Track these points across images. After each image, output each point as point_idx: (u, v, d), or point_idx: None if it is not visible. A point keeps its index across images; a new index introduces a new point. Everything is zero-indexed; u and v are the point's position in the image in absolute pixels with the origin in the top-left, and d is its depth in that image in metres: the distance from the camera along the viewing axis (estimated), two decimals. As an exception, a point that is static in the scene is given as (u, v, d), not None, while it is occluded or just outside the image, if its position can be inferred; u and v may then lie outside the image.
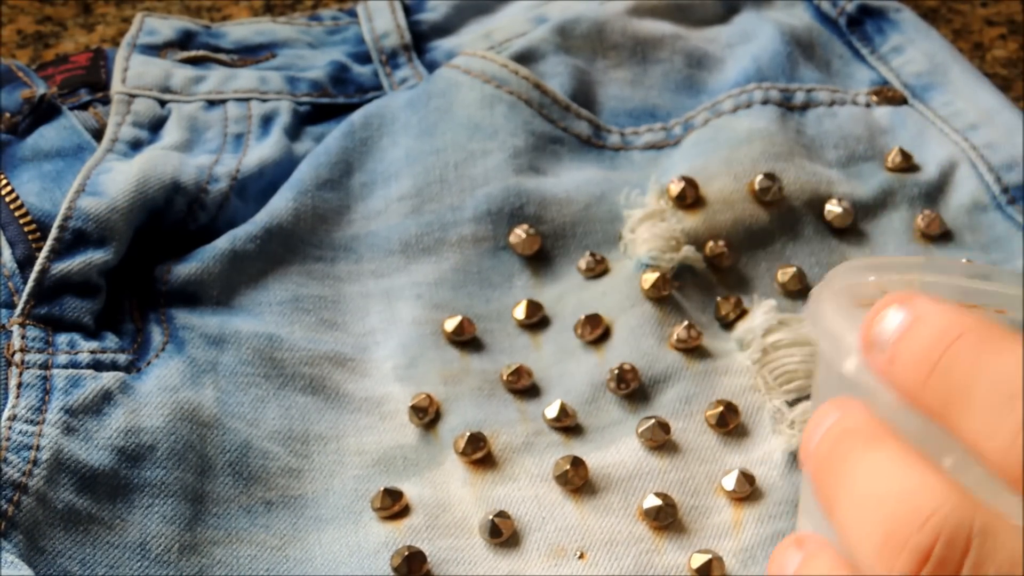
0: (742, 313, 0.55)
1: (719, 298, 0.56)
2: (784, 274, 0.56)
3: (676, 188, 0.57)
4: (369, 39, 0.66)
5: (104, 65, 0.63)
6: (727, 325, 0.55)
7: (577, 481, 0.50)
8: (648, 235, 0.56)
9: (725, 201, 0.58)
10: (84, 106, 0.61)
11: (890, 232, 0.58)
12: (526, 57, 0.63)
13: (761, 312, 0.54)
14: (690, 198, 0.57)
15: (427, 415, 0.52)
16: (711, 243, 0.57)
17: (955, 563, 0.30)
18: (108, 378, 0.51)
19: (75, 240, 0.54)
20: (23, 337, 0.52)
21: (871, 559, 0.31)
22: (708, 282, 0.57)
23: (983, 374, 0.31)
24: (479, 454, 0.51)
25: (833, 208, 0.58)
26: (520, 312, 0.56)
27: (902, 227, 0.58)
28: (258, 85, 0.62)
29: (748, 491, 0.50)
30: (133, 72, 0.62)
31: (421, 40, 0.67)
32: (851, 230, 0.58)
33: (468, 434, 0.51)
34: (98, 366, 0.52)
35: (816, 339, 0.37)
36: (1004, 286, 0.41)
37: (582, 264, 0.57)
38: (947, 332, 0.32)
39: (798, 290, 0.56)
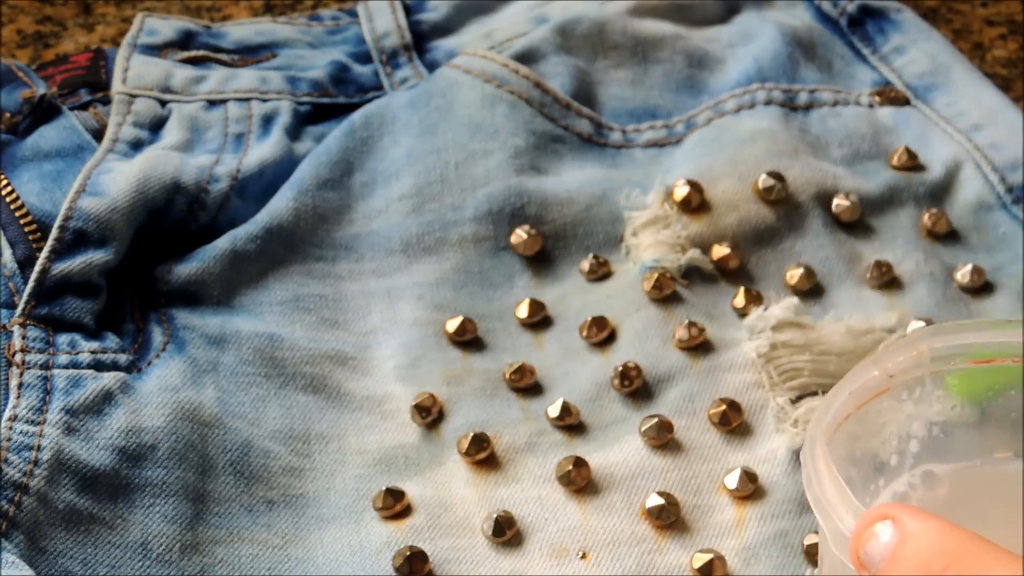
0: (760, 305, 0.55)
1: (742, 287, 0.56)
2: (793, 275, 0.56)
3: (681, 193, 0.57)
4: (369, 39, 0.66)
5: (104, 65, 0.63)
6: (744, 316, 0.55)
7: (580, 481, 0.50)
8: (652, 241, 0.56)
9: (730, 203, 0.57)
10: (84, 106, 0.61)
11: (897, 228, 0.58)
12: (527, 57, 0.63)
13: (780, 307, 0.54)
14: (695, 202, 0.57)
15: (430, 415, 0.52)
16: (716, 246, 0.57)
17: None
18: (109, 378, 0.51)
19: (76, 240, 0.54)
20: (24, 337, 0.52)
21: None
22: (716, 283, 0.57)
23: None
24: (483, 454, 0.51)
25: (841, 202, 0.58)
26: (523, 311, 0.56)
27: (909, 224, 0.58)
28: (259, 85, 0.62)
29: (751, 490, 0.50)
30: (133, 72, 0.62)
31: (422, 40, 0.66)
32: (859, 224, 0.58)
33: (472, 434, 0.51)
34: (99, 366, 0.52)
35: (814, 507, 0.38)
36: (1014, 335, 0.41)
37: (584, 266, 0.57)
38: (933, 563, 0.32)
39: (808, 289, 0.56)
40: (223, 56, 0.65)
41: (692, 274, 0.56)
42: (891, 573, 0.33)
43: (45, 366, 0.51)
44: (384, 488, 0.50)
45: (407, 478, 0.51)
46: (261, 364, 0.53)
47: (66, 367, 0.51)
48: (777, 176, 0.58)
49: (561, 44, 0.64)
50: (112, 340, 0.53)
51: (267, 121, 0.61)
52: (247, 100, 0.62)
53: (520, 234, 0.57)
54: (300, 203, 0.58)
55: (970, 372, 0.42)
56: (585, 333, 0.55)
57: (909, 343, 0.42)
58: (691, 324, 0.54)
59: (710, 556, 0.48)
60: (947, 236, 0.58)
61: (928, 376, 0.43)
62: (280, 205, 0.58)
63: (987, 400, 0.43)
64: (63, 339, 0.52)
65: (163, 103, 0.61)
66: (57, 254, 0.53)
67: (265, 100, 0.62)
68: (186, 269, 0.56)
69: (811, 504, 0.39)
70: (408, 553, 0.48)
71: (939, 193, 0.59)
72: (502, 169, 0.58)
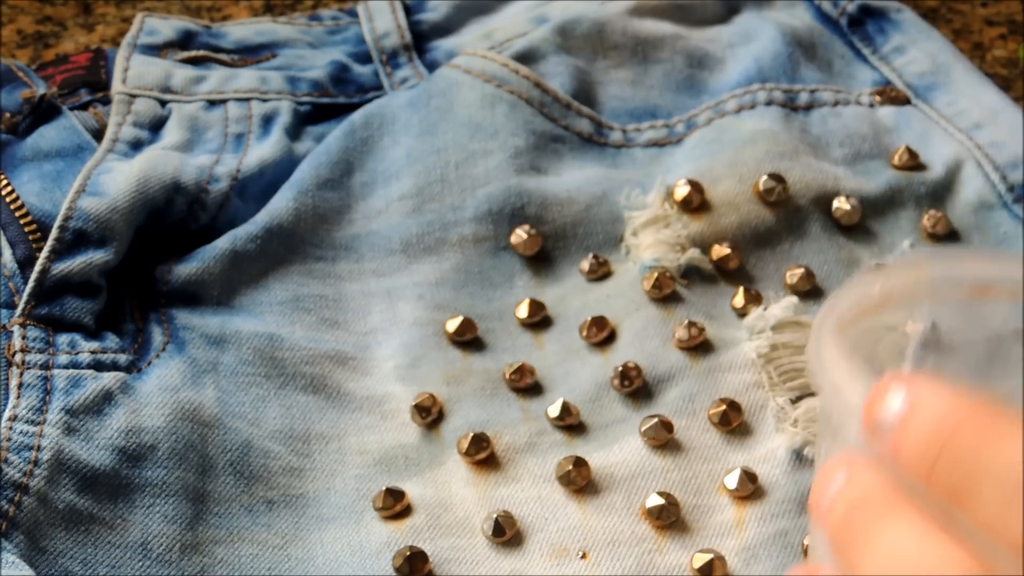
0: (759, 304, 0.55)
1: (742, 287, 0.56)
2: (792, 275, 0.56)
3: (681, 192, 0.57)
4: (369, 39, 0.66)
5: (104, 65, 0.63)
6: (743, 316, 0.55)
7: (580, 481, 0.50)
8: (652, 240, 0.56)
9: (730, 203, 0.57)
10: (84, 106, 0.61)
11: (897, 231, 0.58)
12: (527, 57, 0.63)
13: (780, 306, 0.54)
14: (695, 202, 0.57)
15: (430, 415, 0.52)
16: (716, 246, 0.57)
17: None
18: (109, 378, 0.51)
19: (76, 240, 0.54)
20: (24, 337, 0.52)
21: None
22: (715, 283, 0.57)
23: (986, 470, 0.31)
24: (482, 455, 0.51)
25: (841, 205, 0.58)
26: (523, 311, 0.56)
27: (909, 226, 0.58)
28: (258, 85, 0.62)
29: (750, 490, 0.50)
30: (133, 72, 0.62)
31: (422, 40, 0.66)
32: (859, 227, 0.58)
33: (472, 435, 0.51)
34: (99, 366, 0.52)
35: (817, 383, 0.38)
36: (1016, 269, 0.42)
37: (584, 266, 0.57)
38: (947, 419, 0.33)
39: (807, 291, 0.56)
40: (223, 56, 0.65)
41: (692, 274, 0.56)
42: (902, 439, 0.33)
43: (45, 366, 0.51)
44: (384, 488, 0.50)
45: (407, 478, 0.51)
46: (261, 364, 0.53)
47: (66, 367, 0.51)
48: (778, 178, 0.58)
49: (561, 44, 0.64)
50: (112, 340, 0.53)
51: (267, 121, 0.61)
52: (247, 100, 0.62)
53: (520, 234, 0.57)
54: (300, 203, 0.58)
55: None
56: (585, 333, 0.55)
57: (911, 266, 0.42)
58: (691, 324, 0.54)
59: (710, 556, 0.48)
60: (947, 237, 0.58)
61: (926, 301, 0.43)
62: (280, 205, 0.58)
63: None
64: (63, 339, 0.52)
65: (163, 103, 0.61)
66: (57, 254, 0.53)
67: (265, 100, 0.62)
68: (186, 269, 0.56)
69: (819, 382, 0.38)
70: (408, 553, 0.48)
71: (940, 192, 0.59)
72: (502, 169, 0.58)
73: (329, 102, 0.63)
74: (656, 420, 0.51)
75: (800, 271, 0.56)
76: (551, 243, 0.58)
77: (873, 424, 0.34)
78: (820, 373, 0.38)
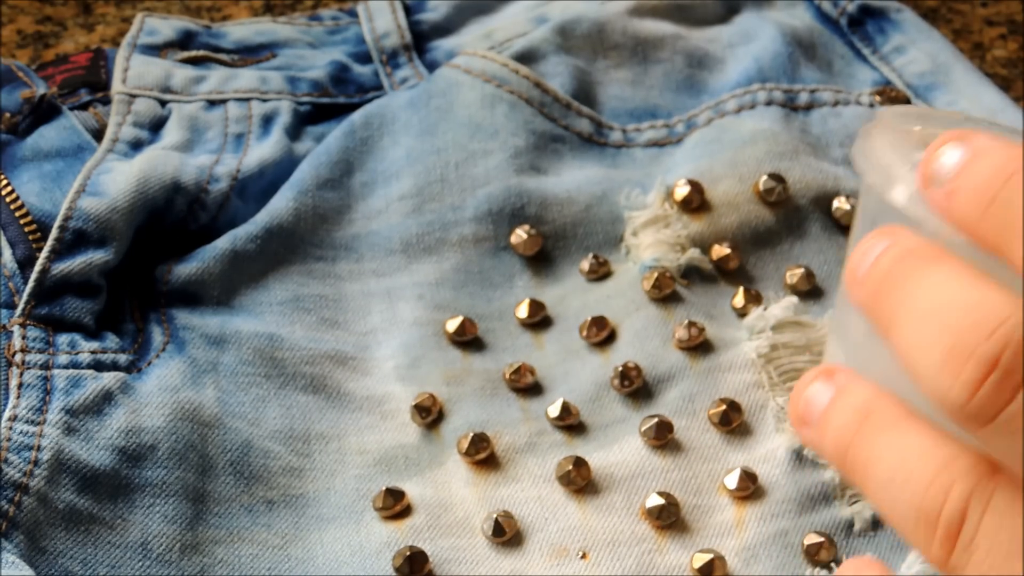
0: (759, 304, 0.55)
1: (742, 287, 0.56)
2: (793, 275, 0.56)
3: (682, 192, 0.57)
4: (369, 39, 0.66)
5: (104, 65, 0.63)
6: (743, 316, 0.55)
7: (579, 481, 0.50)
8: (652, 240, 0.56)
9: (730, 203, 0.57)
10: (84, 106, 0.61)
11: (897, 231, 0.58)
12: (527, 57, 0.63)
13: (780, 306, 0.54)
14: (695, 202, 0.57)
15: (430, 415, 0.52)
16: (716, 246, 0.57)
17: (1022, 371, 0.30)
18: (109, 378, 0.51)
19: (75, 240, 0.54)
20: (24, 337, 0.52)
21: (935, 370, 0.31)
22: (715, 283, 0.57)
23: None
24: (482, 455, 0.51)
25: (841, 205, 0.58)
26: (523, 311, 0.56)
27: (908, 226, 0.58)
28: (258, 85, 0.62)
29: (750, 489, 0.50)
30: (133, 72, 0.62)
31: (422, 40, 0.66)
32: (858, 227, 0.58)
33: (472, 435, 0.51)
34: (99, 366, 0.52)
35: (863, 174, 0.37)
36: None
37: (584, 266, 0.57)
38: (1007, 166, 0.32)
39: (807, 291, 0.56)
40: (223, 56, 0.65)
41: (692, 274, 0.56)
42: (961, 180, 0.33)
43: (45, 366, 0.51)
44: (384, 488, 0.50)
45: (407, 478, 0.51)
46: (261, 364, 0.53)
47: (66, 367, 0.51)
48: (778, 178, 0.58)
49: (561, 44, 0.64)
50: (112, 340, 0.53)
51: (267, 121, 0.61)
52: (247, 100, 0.62)
53: (520, 234, 0.57)
54: (300, 203, 0.58)
55: None
56: (585, 333, 0.55)
57: (952, 120, 0.41)
58: (691, 324, 0.54)
59: (710, 556, 0.48)
60: (947, 236, 0.58)
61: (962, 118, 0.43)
62: (280, 205, 0.58)
63: None
64: (63, 339, 0.52)
65: (163, 103, 0.61)
66: (57, 254, 0.53)
67: (265, 100, 0.62)
68: (186, 269, 0.56)
69: (863, 173, 0.37)
70: (408, 553, 0.48)
71: (940, 193, 0.59)
72: (502, 169, 0.58)
73: (329, 102, 0.63)
74: (656, 420, 0.51)
75: (800, 271, 0.56)
76: (551, 243, 0.58)
77: (929, 175, 0.34)
78: (867, 155, 0.36)
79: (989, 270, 0.32)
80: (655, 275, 0.55)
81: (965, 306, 0.31)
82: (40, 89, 0.61)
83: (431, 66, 0.65)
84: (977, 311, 0.31)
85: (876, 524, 0.49)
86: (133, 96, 0.61)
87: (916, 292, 0.33)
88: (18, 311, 0.53)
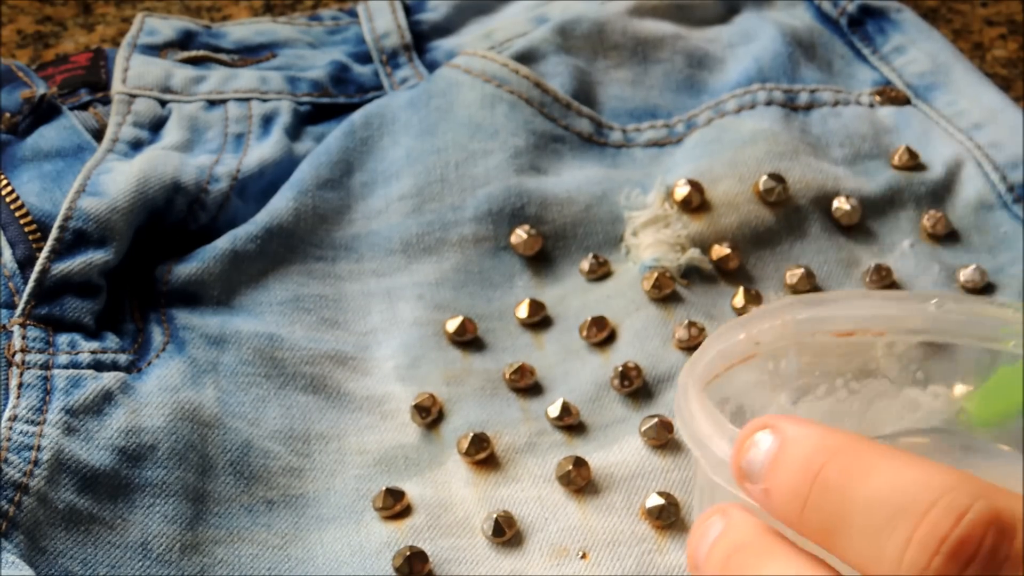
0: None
1: (742, 287, 0.56)
2: (792, 276, 0.56)
3: (682, 192, 0.57)
4: (369, 39, 0.66)
5: (104, 65, 0.63)
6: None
7: (580, 481, 0.50)
8: (652, 240, 0.56)
9: (730, 204, 0.57)
10: (84, 106, 0.61)
11: (897, 231, 0.58)
12: (527, 57, 0.63)
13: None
14: (695, 202, 0.57)
15: (430, 415, 0.52)
16: (716, 246, 0.57)
17: None
18: (109, 378, 0.51)
19: (75, 240, 0.54)
20: (24, 337, 0.52)
21: None
22: (715, 283, 0.57)
23: (854, 503, 0.31)
24: (482, 455, 0.51)
25: (841, 205, 0.58)
26: (523, 311, 0.56)
27: (909, 226, 0.58)
28: (258, 85, 0.62)
29: (751, 490, 0.50)
30: (133, 72, 0.62)
31: (422, 40, 0.66)
32: (859, 228, 0.58)
33: (472, 435, 0.51)
34: (99, 366, 0.52)
35: (686, 441, 0.38)
36: (883, 307, 0.42)
37: (584, 266, 0.57)
38: (814, 459, 0.32)
39: (807, 291, 0.56)
40: (223, 56, 0.65)
41: (692, 274, 0.56)
42: (772, 479, 0.33)
43: (45, 366, 0.51)
44: (384, 488, 0.50)
45: (407, 478, 0.51)
46: (261, 364, 0.53)
47: (66, 367, 0.51)
48: (778, 178, 0.58)
49: (561, 44, 0.64)
50: (112, 340, 0.53)
51: (267, 121, 0.61)
52: (247, 100, 0.62)
53: (520, 234, 0.57)
54: (300, 203, 0.58)
55: (984, 395, 0.43)
56: (585, 333, 0.55)
57: (774, 312, 0.42)
58: (691, 324, 0.54)
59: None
60: (947, 237, 0.58)
61: (792, 348, 0.43)
62: (280, 205, 0.58)
63: (1000, 423, 0.43)
64: (63, 339, 0.52)
65: (163, 103, 0.61)
66: (57, 254, 0.53)
67: (265, 100, 0.62)
68: (186, 269, 0.56)
69: (686, 440, 0.38)
70: (408, 553, 0.48)
71: (940, 192, 0.59)
72: (502, 169, 0.58)
73: (329, 102, 0.63)
74: (656, 420, 0.51)
75: (800, 271, 0.56)
76: (551, 243, 0.58)
77: (743, 469, 0.34)
78: (686, 429, 0.38)
79: None
80: (655, 275, 0.55)
81: None
82: (40, 89, 0.61)
83: (431, 66, 0.65)
84: None
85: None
86: (133, 96, 0.61)
87: None
88: (18, 311, 0.53)
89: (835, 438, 0.33)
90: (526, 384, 0.54)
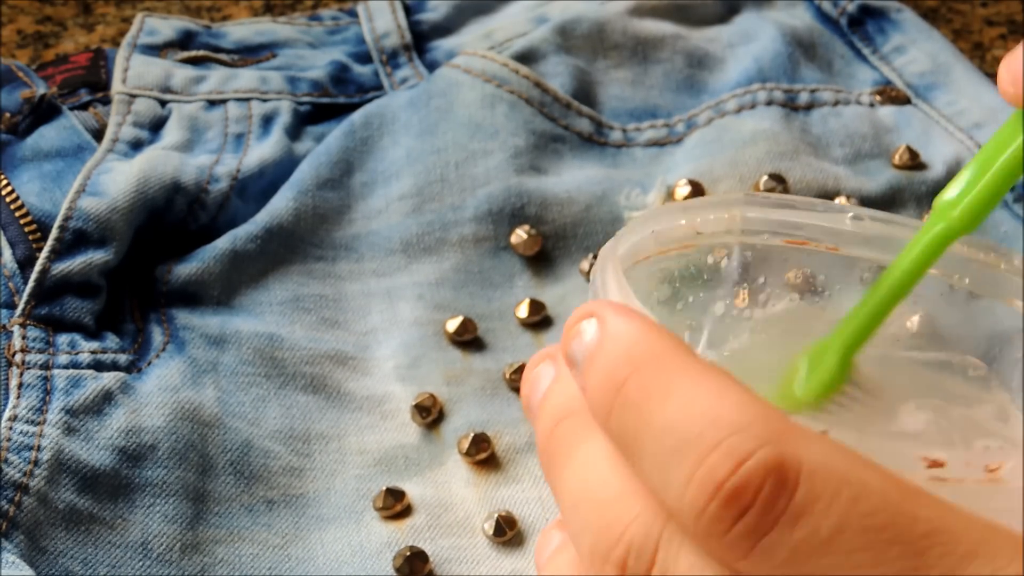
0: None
1: (742, 287, 0.56)
2: (793, 276, 0.56)
3: (682, 192, 0.57)
4: (369, 39, 0.66)
5: (104, 65, 0.63)
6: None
7: (579, 481, 0.50)
8: (651, 239, 0.56)
9: (730, 203, 0.57)
10: (84, 106, 0.61)
11: (897, 231, 0.58)
12: (527, 57, 0.63)
13: (781, 306, 0.54)
14: (695, 202, 0.57)
15: (430, 415, 0.52)
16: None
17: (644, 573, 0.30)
18: (109, 378, 0.51)
19: (75, 240, 0.54)
20: (24, 337, 0.51)
21: (586, 559, 0.32)
22: (716, 283, 0.57)
23: (648, 426, 0.30)
24: (483, 455, 0.51)
25: (842, 205, 0.58)
26: (523, 311, 0.56)
27: (909, 226, 0.58)
28: (258, 85, 0.62)
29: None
30: (133, 72, 0.62)
31: (422, 40, 0.66)
32: (859, 228, 0.58)
33: (472, 435, 0.51)
34: (99, 366, 0.52)
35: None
36: (825, 219, 0.39)
37: (584, 266, 0.57)
38: (619, 371, 0.31)
39: (808, 291, 0.56)
40: (223, 56, 0.65)
41: (692, 274, 0.56)
42: (586, 378, 0.32)
43: (45, 366, 0.51)
44: (384, 488, 0.50)
45: (407, 478, 0.51)
46: (261, 364, 0.53)
47: (66, 367, 0.51)
48: (778, 178, 0.58)
49: (561, 44, 0.64)
50: (112, 340, 0.53)
51: (267, 121, 0.61)
52: (247, 100, 0.62)
53: (520, 234, 0.57)
54: (300, 203, 0.58)
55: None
56: (585, 333, 0.55)
57: (723, 204, 0.39)
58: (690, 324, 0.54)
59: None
60: (947, 236, 0.58)
61: (736, 245, 0.40)
62: (280, 205, 0.58)
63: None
64: (63, 339, 0.52)
65: (163, 103, 0.61)
66: (57, 254, 0.53)
67: (265, 100, 0.62)
68: (186, 269, 0.55)
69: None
70: (408, 553, 0.48)
71: (940, 192, 0.59)
72: (502, 169, 0.58)
73: (329, 102, 0.63)
74: (656, 420, 0.51)
75: (801, 271, 0.56)
76: (551, 243, 0.58)
77: (569, 354, 0.33)
78: (593, 292, 0.35)
79: None
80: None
81: (603, 502, 0.31)
82: (40, 89, 0.61)
83: (431, 66, 0.65)
84: (612, 510, 0.31)
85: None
86: (133, 96, 0.61)
87: (570, 469, 0.33)
88: (18, 311, 0.53)
89: (647, 346, 0.31)
90: (526, 384, 0.54)
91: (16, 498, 0.47)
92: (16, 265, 0.54)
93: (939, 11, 0.73)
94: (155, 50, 0.64)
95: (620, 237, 0.36)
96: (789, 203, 0.39)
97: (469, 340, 0.55)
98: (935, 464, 0.30)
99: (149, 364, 0.53)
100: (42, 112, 0.60)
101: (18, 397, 0.49)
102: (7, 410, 0.49)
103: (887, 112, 0.62)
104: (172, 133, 0.60)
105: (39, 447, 0.48)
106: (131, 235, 0.56)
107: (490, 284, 0.57)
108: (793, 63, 0.63)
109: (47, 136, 0.59)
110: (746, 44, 0.65)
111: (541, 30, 0.64)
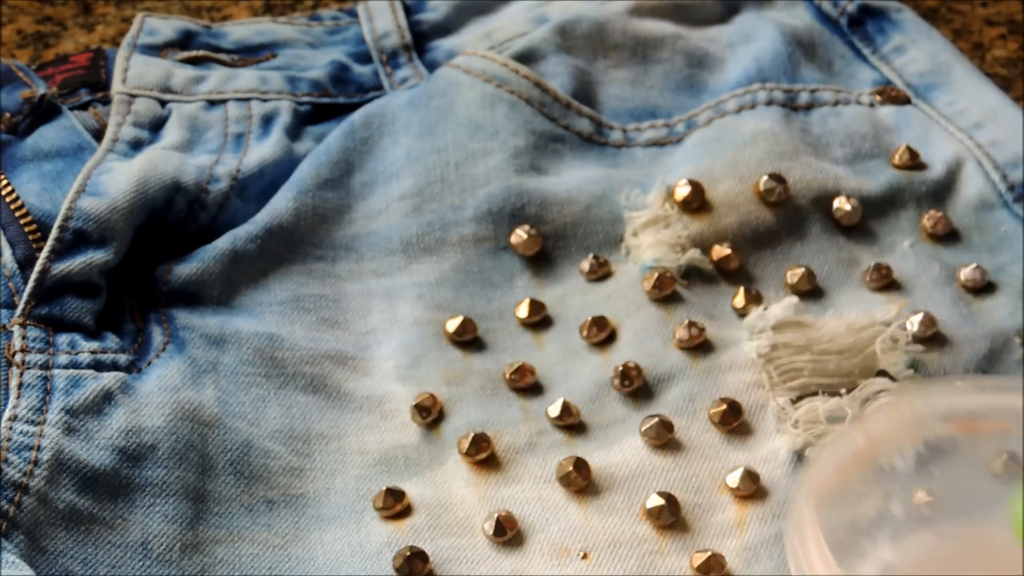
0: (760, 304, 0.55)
1: (742, 287, 0.56)
2: (793, 275, 0.56)
3: (682, 192, 0.57)
4: (369, 39, 0.66)
5: (104, 65, 0.63)
6: (744, 316, 0.55)
7: (580, 482, 0.50)
8: (652, 240, 0.56)
9: (730, 204, 0.57)
10: (84, 106, 0.61)
11: (898, 231, 0.58)
12: (527, 57, 0.63)
13: (781, 306, 0.54)
14: (696, 203, 0.57)
15: (430, 415, 0.52)
16: (717, 247, 0.57)
17: None
18: (109, 378, 0.51)
19: (75, 240, 0.54)
20: (24, 337, 0.52)
21: None
22: (716, 283, 0.57)
23: None
24: (483, 455, 0.51)
25: (841, 205, 0.58)
26: (523, 311, 0.56)
27: (909, 226, 0.58)
28: (258, 85, 0.62)
29: (753, 489, 0.50)
30: (133, 72, 0.62)
31: (422, 40, 0.66)
32: (859, 227, 0.58)
33: (472, 435, 0.51)
34: (99, 366, 0.52)
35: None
36: (1003, 398, 0.39)
37: (584, 266, 0.57)
38: None
39: (808, 290, 0.56)
40: (223, 56, 0.65)
41: (692, 274, 0.56)
42: None
43: (45, 366, 0.51)
44: (384, 488, 0.50)
45: (407, 478, 0.51)
46: (261, 364, 0.53)
47: (66, 367, 0.51)
48: (778, 178, 0.58)
49: (561, 44, 0.64)
50: (112, 340, 0.53)
51: (267, 121, 0.61)
52: (247, 100, 0.62)
53: (520, 234, 0.57)
54: (300, 203, 0.58)
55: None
56: (585, 333, 0.55)
57: (892, 405, 0.40)
58: (691, 324, 0.54)
59: (708, 554, 0.48)
60: (948, 237, 0.58)
61: (910, 441, 0.41)
62: (280, 205, 0.58)
63: None
64: (63, 339, 0.52)
65: (163, 103, 0.61)
66: (57, 254, 0.53)
67: (265, 100, 0.62)
68: (186, 269, 0.56)
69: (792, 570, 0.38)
70: (408, 553, 0.48)
71: (941, 191, 0.59)
72: (502, 169, 0.58)
73: (329, 102, 0.63)
74: (656, 420, 0.51)
75: (801, 271, 0.56)
76: (551, 243, 0.58)
77: None
78: (794, 560, 0.37)
79: None
80: (655, 275, 0.55)
81: None
82: (40, 89, 0.61)
83: (431, 66, 0.65)
84: None
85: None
86: (133, 96, 0.61)
87: None
88: (18, 311, 0.53)
89: None
90: (526, 384, 0.54)
91: (16, 498, 0.47)
92: (16, 265, 0.54)
93: (939, 11, 0.73)
94: (155, 50, 0.64)
95: (808, 477, 0.38)
96: (959, 389, 0.40)
97: (469, 340, 0.55)
98: None
99: (149, 364, 0.53)
100: (42, 112, 0.60)
101: (18, 397, 0.50)
102: (7, 410, 0.49)
103: (887, 112, 0.62)
104: (172, 133, 0.60)
105: (39, 447, 0.48)
106: (131, 235, 0.56)
107: (490, 284, 0.57)
108: (793, 63, 0.63)
109: (47, 136, 0.59)
110: (746, 44, 0.65)
111: (541, 30, 0.64)
